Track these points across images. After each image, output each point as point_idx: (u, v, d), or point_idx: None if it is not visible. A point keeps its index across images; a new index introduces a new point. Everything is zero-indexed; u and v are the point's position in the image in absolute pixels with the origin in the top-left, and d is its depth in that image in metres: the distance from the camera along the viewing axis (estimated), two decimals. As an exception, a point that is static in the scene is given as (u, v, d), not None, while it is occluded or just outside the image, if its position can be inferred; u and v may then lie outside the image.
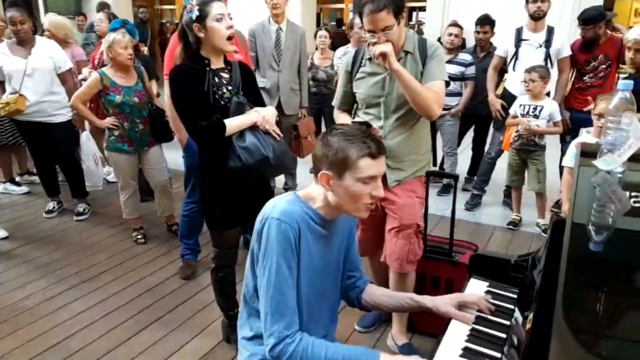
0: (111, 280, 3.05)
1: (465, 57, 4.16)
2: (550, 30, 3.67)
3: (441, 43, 3.91)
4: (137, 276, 3.10)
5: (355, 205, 1.31)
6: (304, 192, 1.39)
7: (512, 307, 1.49)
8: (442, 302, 1.39)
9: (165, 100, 2.84)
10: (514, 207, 3.84)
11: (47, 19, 4.42)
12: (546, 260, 1.39)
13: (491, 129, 4.21)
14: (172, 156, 3.72)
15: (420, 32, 8.12)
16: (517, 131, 3.59)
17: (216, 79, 2.02)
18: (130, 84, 3.24)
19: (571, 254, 1.18)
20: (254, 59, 3.69)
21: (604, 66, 3.63)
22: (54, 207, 4.07)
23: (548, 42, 3.65)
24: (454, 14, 6.40)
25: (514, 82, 3.81)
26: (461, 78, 4.14)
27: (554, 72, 3.74)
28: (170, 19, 11.88)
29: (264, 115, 2.01)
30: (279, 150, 2.01)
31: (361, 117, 2.22)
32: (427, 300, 1.42)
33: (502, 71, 4.05)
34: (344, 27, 9.02)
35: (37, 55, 3.59)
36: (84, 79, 3.83)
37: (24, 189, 4.57)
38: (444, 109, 3.85)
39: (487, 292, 1.59)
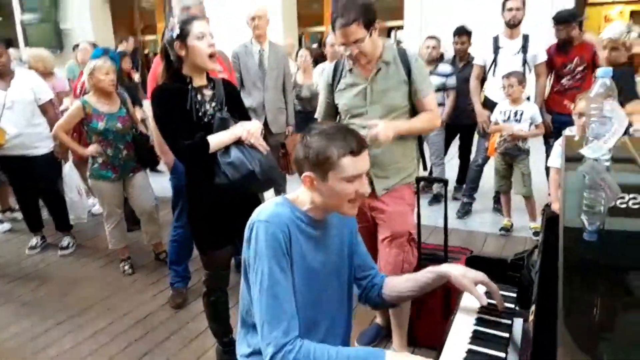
0: (99, 314, 2.95)
1: (445, 68, 4.22)
2: (526, 37, 3.75)
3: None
4: (126, 308, 3.00)
5: (342, 203, 1.29)
6: (292, 195, 1.36)
7: (512, 305, 1.46)
8: (462, 274, 1.37)
9: (150, 123, 2.81)
10: (504, 212, 3.85)
11: (29, 53, 4.43)
12: (542, 255, 1.37)
13: (476, 137, 4.24)
14: (157, 183, 3.66)
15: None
16: (502, 136, 3.62)
17: (199, 97, 2.00)
18: (113, 110, 3.21)
19: (567, 253, 1.15)
20: (239, 79, 3.69)
21: (580, 68, 3.70)
22: (37, 243, 3.97)
23: (525, 48, 3.73)
24: (431, 30, 6.52)
25: (493, 88, 3.87)
26: (443, 89, 4.19)
27: (532, 77, 3.81)
28: (153, 48, 11.93)
29: (249, 129, 1.98)
30: (265, 164, 1.98)
31: None
32: (448, 268, 1.40)
33: (482, 80, 4.10)
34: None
35: (17, 87, 3.55)
36: (65, 110, 3.80)
37: (6, 226, 4.46)
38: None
39: (486, 293, 1.55)
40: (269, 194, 3.57)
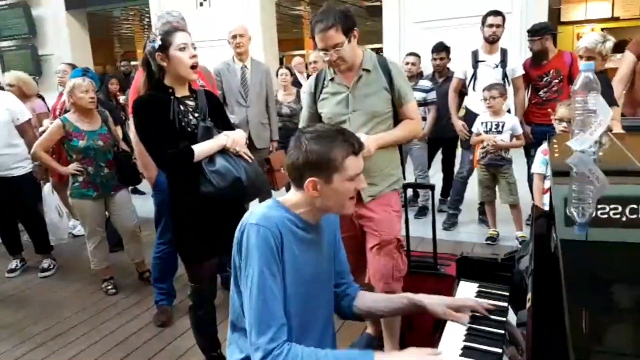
0: (81, 335, 2.85)
1: (425, 83, 4.30)
2: (504, 52, 3.85)
3: None
4: (109, 328, 2.91)
5: (344, 202, 1.29)
6: (283, 198, 1.34)
7: (505, 304, 1.45)
8: (438, 303, 1.36)
9: (132, 138, 2.78)
10: (490, 222, 3.87)
11: (12, 75, 4.40)
12: (535, 249, 1.37)
13: (460, 149, 4.29)
14: (139, 205, 3.61)
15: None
16: (484, 147, 3.67)
17: (181, 107, 1.98)
18: (94, 128, 3.17)
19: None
20: (221, 96, 3.69)
21: (556, 80, 3.80)
22: (16, 266, 3.84)
23: (503, 62, 3.82)
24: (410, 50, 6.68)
25: (474, 101, 3.94)
26: (424, 104, 4.24)
27: (511, 90, 3.90)
28: (133, 73, 11.96)
29: (233, 138, 1.98)
30: (251, 172, 1.97)
31: None
32: (424, 298, 1.38)
33: (461, 94, 4.18)
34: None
35: None
36: (45, 131, 3.73)
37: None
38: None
39: (479, 292, 1.55)
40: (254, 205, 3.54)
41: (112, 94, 5.86)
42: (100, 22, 11.74)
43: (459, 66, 4.06)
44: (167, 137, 1.90)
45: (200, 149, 1.91)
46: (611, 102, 2.99)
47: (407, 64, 4.31)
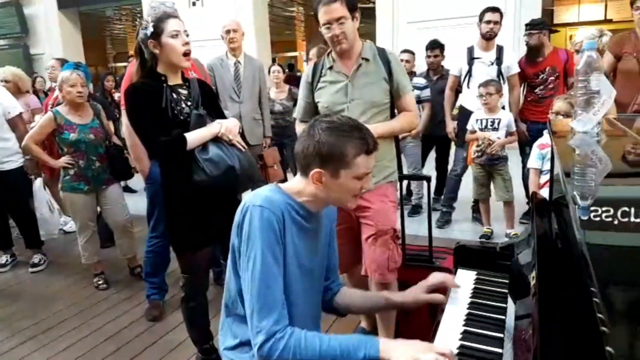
0: (71, 329, 2.80)
1: (419, 80, 4.28)
2: (500, 49, 3.83)
3: None
4: (100, 322, 2.86)
5: (347, 198, 1.26)
6: (286, 185, 1.30)
7: (505, 291, 1.43)
8: (409, 294, 1.38)
9: (124, 131, 2.74)
10: (484, 220, 3.86)
11: (7, 70, 4.37)
12: (537, 238, 1.34)
13: (453, 147, 4.29)
14: (130, 202, 3.56)
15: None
16: (479, 146, 3.65)
17: (174, 95, 1.95)
18: (85, 122, 3.13)
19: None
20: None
21: (552, 78, 3.80)
22: (6, 261, 3.79)
23: (499, 60, 3.80)
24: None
25: (469, 98, 3.92)
26: (418, 101, 4.23)
27: (506, 88, 3.89)
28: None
29: (227, 126, 1.95)
30: (245, 161, 1.94)
31: None
32: (398, 296, 1.42)
33: (456, 92, 4.17)
34: (298, 72, 10.35)
35: None
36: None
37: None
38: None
39: (477, 279, 1.53)
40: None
41: (108, 90, 5.83)
42: (93, 23, 11.70)
43: (455, 64, 4.04)
44: (160, 125, 1.87)
45: (193, 137, 1.88)
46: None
47: (402, 60, 4.28)
